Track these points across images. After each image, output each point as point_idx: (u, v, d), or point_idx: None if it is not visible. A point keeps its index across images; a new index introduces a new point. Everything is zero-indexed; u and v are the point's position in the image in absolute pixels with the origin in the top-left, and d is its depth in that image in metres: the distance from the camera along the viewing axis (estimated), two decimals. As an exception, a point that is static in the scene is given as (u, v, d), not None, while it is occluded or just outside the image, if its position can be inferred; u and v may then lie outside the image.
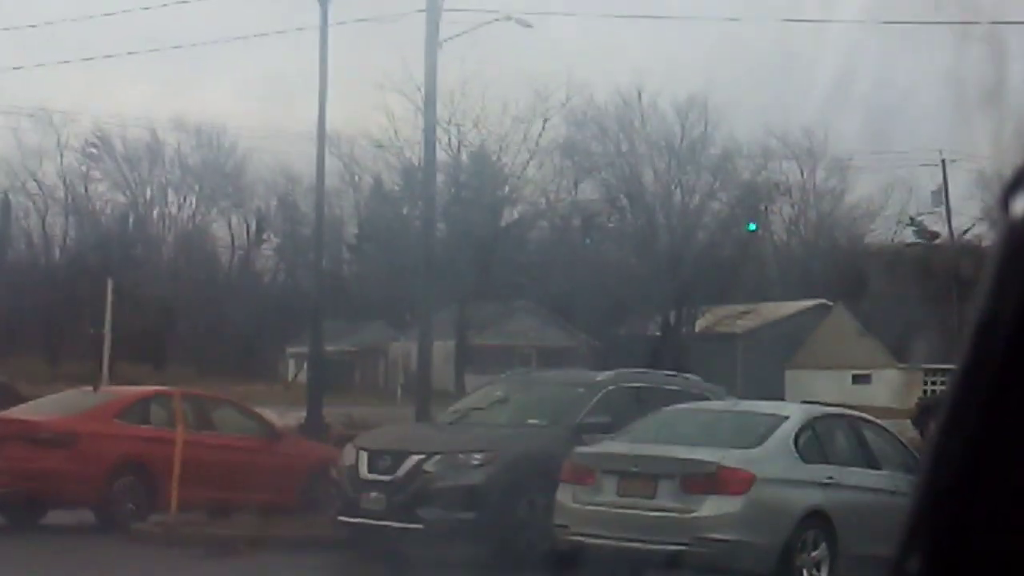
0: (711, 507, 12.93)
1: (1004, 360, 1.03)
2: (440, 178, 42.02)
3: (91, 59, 75.50)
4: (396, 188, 67.16)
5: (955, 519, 1.03)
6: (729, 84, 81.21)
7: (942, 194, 58.87)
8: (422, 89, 28.89)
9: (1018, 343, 1.02)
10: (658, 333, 57.03)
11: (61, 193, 71.54)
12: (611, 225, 62.46)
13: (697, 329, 57.88)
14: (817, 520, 13.35)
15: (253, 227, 74.54)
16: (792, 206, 69.62)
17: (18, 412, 19.05)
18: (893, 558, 1.07)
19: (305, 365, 42.24)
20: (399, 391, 51.68)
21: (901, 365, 54.31)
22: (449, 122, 58.30)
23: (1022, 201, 1.06)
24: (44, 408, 18.97)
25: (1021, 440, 1.01)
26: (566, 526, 13.61)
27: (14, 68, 59.33)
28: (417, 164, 46.48)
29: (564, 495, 13.78)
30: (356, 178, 69.63)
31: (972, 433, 1.04)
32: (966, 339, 1.05)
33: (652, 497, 13.18)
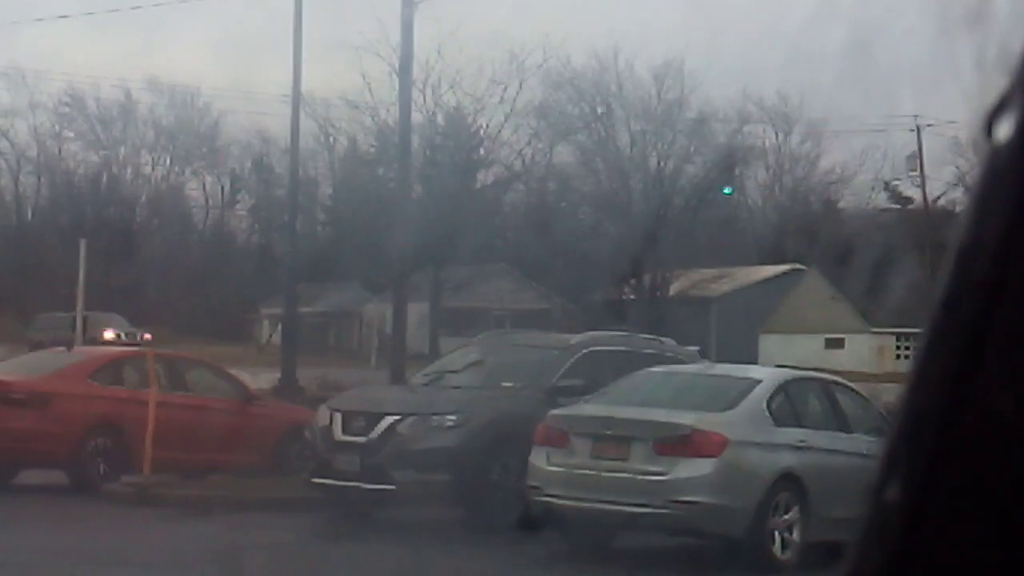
0: (684, 469, 12.99)
1: (986, 284, 1.03)
2: (415, 140, 41.88)
3: (67, 17, 74.88)
4: (371, 150, 66.96)
5: (935, 445, 1.03)
6: (706, 48, 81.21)
7: (916, 159, 59.04)
8: (398, 50, 28.76)
9: (1000, 267, 1.02)
10: (632, 297, 57.13)
11: (34, 152, 71.22)
12: (586, 188, 62.42)
13: (672, 293, 57.97)
14: (789, 483, 13.43)
15: (227, 188, 74.30)
16: (767, 170, 69.76)
17: (-10, 372, 18.98)
18: (872, 486, 1.07)
19: (279, 327, 42.17)
20: (373, 353, 51.67)
21: (874, 330, 54.58)
22: (425, 83, 58.15)
23: (1005, 126, 1.06)
24: (17, 368, 18.91)
25: (1002, 364, 1.01)
26: (539, 488, 13.66)
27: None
28: (392, 125, 46.33)
29: (538, 457, 13.83)
30: (331, 140, 69.43)
31: (953, 358, 1.04)
32: (947, 265, 1.06)
33: (625, 459, 13.23)
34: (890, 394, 20.92)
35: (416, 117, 42.75)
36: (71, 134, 71.79)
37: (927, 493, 1.02)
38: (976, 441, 1.01)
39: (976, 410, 1.01)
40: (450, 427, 15.22)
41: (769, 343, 57.37)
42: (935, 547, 1.02)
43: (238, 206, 75.02)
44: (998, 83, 1.08)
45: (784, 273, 61.65)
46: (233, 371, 20.97)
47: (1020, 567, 0.99)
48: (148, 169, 73.82)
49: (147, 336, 48.81)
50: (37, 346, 28.34)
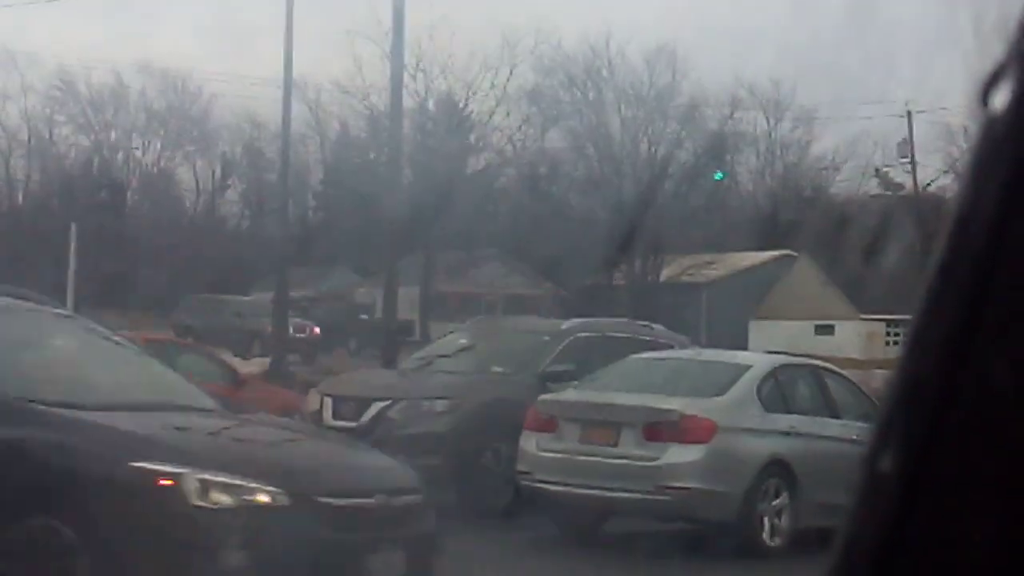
0: (673, 455, 13.01)
1: (982, 254, 1.03)
2: (407, 124, 41.86)
3: (55, 0, 74.67)
4: (362, 134, 66.89)
5: (931, 413, 1.03)
6: (697, 34, 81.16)
7: (907, 146, 59.07)
8: (389, 34, 28.73)
9: (996, 237, 1.02)
10: (623, 282, 57.15)
11: (25, 135, 71.00)
12: (577, 173, 62.42)
13: (662, 278, 58.00)
14: (778, 468, 13.46)
15: (218, 172, 74.18)
16: (758, 156, 69.78)
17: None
18: (865, 456, 1.07)
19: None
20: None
21: (863, 316, 54.65)
22: (416, 68, 58.11)
23: (1001, 95, 1.05)
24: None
25: (999, 332, 1.01)
26: (529, 472, 13.69)
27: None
28: (384, 110, 46.26)
29: (527, 442, 13.85)
30: (322, 124, 69.34)
31: (949, 326, 1.03)
32: (943, 235, 1.06)
33: (614, 445, 13.25)
34: (879, 380, 20.94)
35: (407, 102, 42.73)
36: (62, 118, 71.65)
37: (922, 462, 1.02)
38: (973, 409, 1.01)
39: (973, 377, 1.01)
40: (441, 412, 15.23)
41: (759, 329, 57.43)
42: (930, 517, 1.02)
43: (229, 190, 74.96)
44: (995, 51, 1.08)
45: (775, 259, 61.70)
46: (223, 355, 20.96)
47: (1018, 538, 0.98)
48: (139, 153, 73.72)
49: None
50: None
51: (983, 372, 1.00)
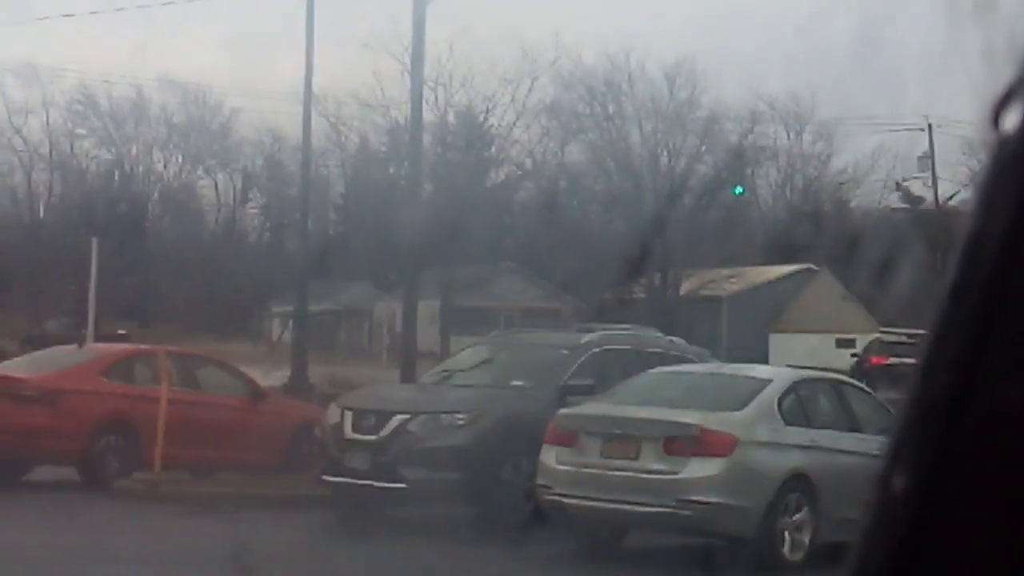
0: (693, 469, 12.98)
1: (992, 275, 1.03)
2: (427, 138, 41.93)
3: (73, 15, 75.00)
4: (383, 148, 66.98)
5: (943, 434, 1.03)
6: (717, 47, 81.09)
7: (928, 159, 58.90)
8: (409, 48, 28.77)
9: (1006, 258, 1.03)
10: (643, 296, 57.07)
11: (46, 150, 71.27)
12: (597, 187, 62.39)
13: (682, 292, 57.89)
14: (799, 483, 13.42)
15: (239, 186, 74.30)
16: (778, 170, 69.65)
17: (2, 369, 19.03)
18: (878, 476, 1.07)
19: (290, 324, 42.20)
20: (384, 351, 51.68)
21: (884, 329, 54.46)
22: (436, 82, 58.16)
23: (1012, 116, 1.06)
24: (29, 365, 18.95)
25: (1009, 354, 1.02)
26: (549, 487, 13.67)
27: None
28: (404, 124, 46.33)
29: (547, 456, 13.83)
30: (343, 138, 69.45)
31: (961, 351, 1.04)
32: (955, 256, 1.06)
33: (635, 459, 13.23)
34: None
35: (427, 115, 42.79)
36: (83, 131, 71.91)
37: (934, 483, 1.03)
38: (983, 430, 1.01)
39: (983, 399, 1.02)
40: (460, 426, 15.23)
41: (779, 342, 57.30)
42: (942, 537, 1.02)
43: (250, 204, 75.11)
44: (1006, 74, 1.08)
45: (795, 272, 61.56)
46: (244, 368, 21.00)
47: None
48: (160, 166, 73.94)
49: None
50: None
51: (993, 394, 1.01)
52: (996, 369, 1.02)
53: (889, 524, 1.05)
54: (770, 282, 61.70)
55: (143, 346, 20.95)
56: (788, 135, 68.17)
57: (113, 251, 48.01)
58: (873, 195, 67.69)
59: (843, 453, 13.71)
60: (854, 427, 14.37)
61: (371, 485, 15.12)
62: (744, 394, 13.85)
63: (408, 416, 15.38)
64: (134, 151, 73.15)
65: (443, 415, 15.38)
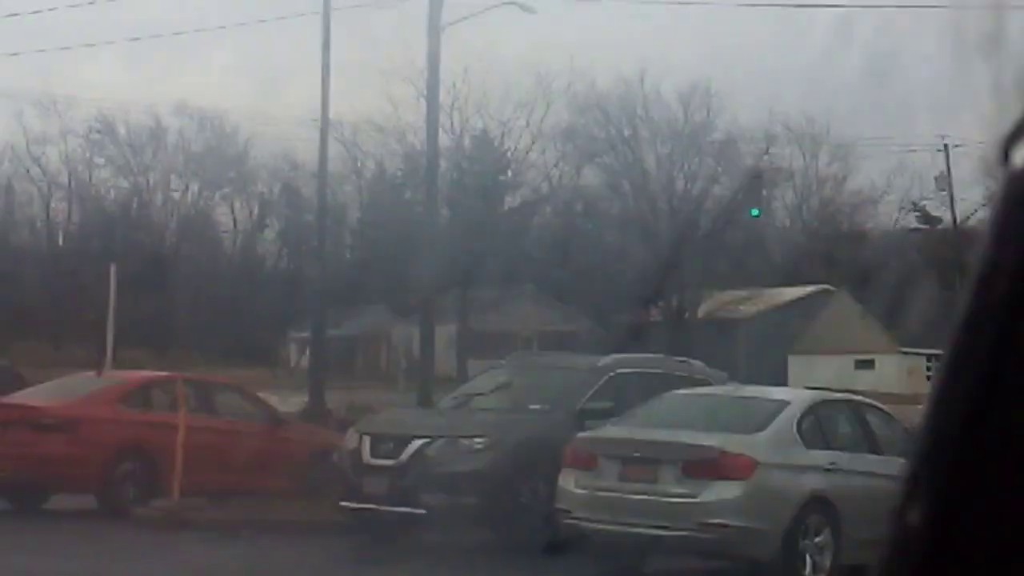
0: (713, 492, 12.93)
1: (1005, 306, 1.03)
2: (442, 163, 41.98)
3: (92, 45, 75.33)
4: (399, 173, 67.12)
5: (957, 466, 1.03)
6: (732, 69, 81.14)
7: (945, 180, 58.83)
8: (425, 74, 28.85)
9: (1019, 289, 1.03)
10: (660, 318, 57.00)
11: (64, 179, 71.56)
12: (613, 210, 62.42)
13: (700, 314, 57.83)
14: (820, 505, 13.36)
15: (256, 212, 74.53)
16: (795, 192, 69.58)
17: (21, 397, 19.07)
18: (894, 509, 1.07)
19: (307, 350, 42.24)
20: (401, 376, 51.67)
21: (904, 350, 54.31)
22: (452, 107, 58.28)
23: (1022, 151, 1.06)
24: (47, 393, 18.98)
25: (1021, 388, 1.02)
26: (568, 511, 13.62)
27: (11, 55, 59.24)
28: (420, 149, 46.41)
29: (566, 480, 13.79)
30: (359, 163, 69.59)
31: (974, 383, 1.04)
32: (967, 289, 1.06)
33: (654, 482, 13.18)
34: (920, 416, 20.76)
35: (443, 140, 42.85)
36: (101, 160, 72.17)
37: (949, 515, 1.02)
38: (997, 462, 1.01)
39: (997, 431, 1.01)
40: (478, 450, 15.20)
41: (798, 364, 57.16)
42: (958, 569, 1.02)
43: (267, 230, 75.27)
44: (1015, 108, 1.08)
45: (812, 294, 61.46)
46: (261, 395, 21.01)
47: None
48: (177, 194, 74.15)
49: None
50: None
51: (1007, 426, 1.00)
52: (1009, 401, 1.01)
53: (905, 557, 1.05)
54: (787, 303, 61.62)
55: (161, 373, 20.96)
56: (804, 157, 68.17)
57: (131, 278, 48.16)
58: (890, 216, 67.63)
59: (863, 475, 13.64)
60: (874, 448, 14.30)
61: (390, 510, 15.10)
62: (763, 416, 13.80)
63: (426, 441, 15.36)
64: (152, 179, 73.43)
65: (461, 439, 15.35)
